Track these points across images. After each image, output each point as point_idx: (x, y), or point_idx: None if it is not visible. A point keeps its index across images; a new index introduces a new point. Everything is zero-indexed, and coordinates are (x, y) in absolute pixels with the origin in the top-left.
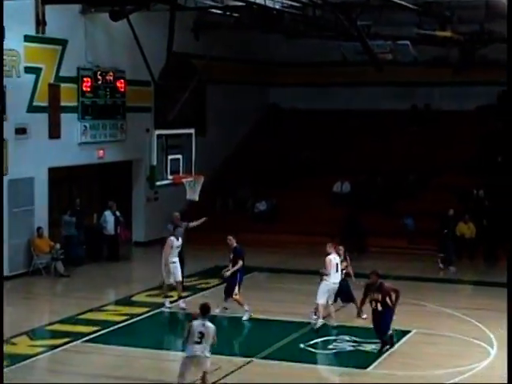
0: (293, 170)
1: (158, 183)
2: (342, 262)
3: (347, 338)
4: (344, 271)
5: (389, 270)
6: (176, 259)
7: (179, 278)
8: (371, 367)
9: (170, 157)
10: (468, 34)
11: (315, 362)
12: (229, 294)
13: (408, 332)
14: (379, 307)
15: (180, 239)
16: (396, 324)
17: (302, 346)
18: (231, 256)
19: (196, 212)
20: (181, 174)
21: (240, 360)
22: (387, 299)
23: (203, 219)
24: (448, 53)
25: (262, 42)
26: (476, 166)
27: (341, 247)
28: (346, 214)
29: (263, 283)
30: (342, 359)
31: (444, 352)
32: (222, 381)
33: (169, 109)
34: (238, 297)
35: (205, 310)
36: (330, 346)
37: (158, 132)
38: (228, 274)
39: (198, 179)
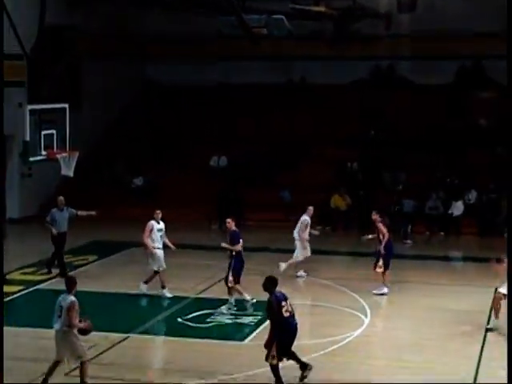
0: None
1: (32, 159)
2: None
3: (225, 311)
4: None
5: (266, 243)
6: (160, 245)
7: (163, 265)
8: (248, 339)
9: (43, 132)
10: (341, 9)
11: (193, 336)
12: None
13: None
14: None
15: (161, 222)
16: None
17: (179, 320)
18: (228, 240)
19: (72, 188)
20: (55, 149)
21: (117, 336)
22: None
23: (93, 212)
24: (323, 27)
25: (138, 16)
26: (350, 139)
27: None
28: (222, 188)
29: (141, 258)
30: (219, 332)
31: (319, 322)
32: (98, 358)
33: (42, 83)
34: (233, 285)
35: (68, 284)
36: (208, 320)
37: (30, 107)
38: (224, 245)
39: (72, 155)
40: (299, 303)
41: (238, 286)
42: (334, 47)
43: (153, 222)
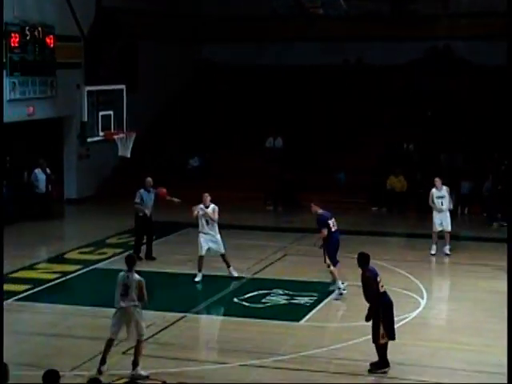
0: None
1: (89, 140)
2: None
3: (280, 291)
4: None
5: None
6: (204, 230)
7: (201, 252)
8: (304, 320)
9: (100, 113)
10: None
11: (249, 316)
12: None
13: None
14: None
15: (211, 206)
16: (326, 277)
17: (235, 300)
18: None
19: (128, 168)
20: (112, 130)
21: (173, 315)
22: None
23: (177, 199)
24: (379, 7)
25: None
26: (407, 120)
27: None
28: (278, 170)
29: (197, 239)
30: (275, 312)
31: None
32: (154, 337)
33: (99, 65)
34: (331, 268)
35: (129, 262)
36: (264, 300)
37: (88, 88)
38: (318, 244)
39: (129, 135)
40: (353, 284)
41: (333, 269)
42: (390, 27)
43: (201, 206)
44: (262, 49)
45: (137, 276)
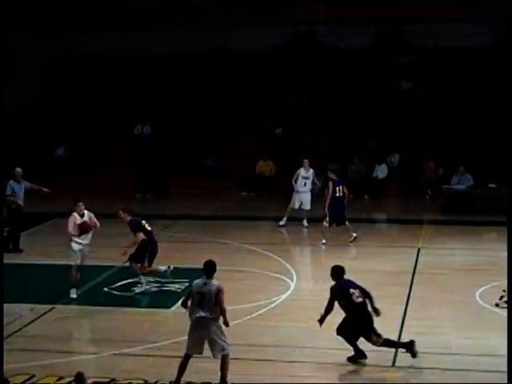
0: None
1: None
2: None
3: (151, 278)
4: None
5: (191, 210)
6: (80, 240)
7: (76, 261)
8: (175, 306)
9: None
10: None
11: (119, 305)
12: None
13: None
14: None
15: (86, 213)
16: (197, 263)
17: (106, 289)
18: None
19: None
20: None
21: (42, 307)
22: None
23: (45, 189)
24: None
25: None
26: (274, 105)
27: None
28: (146, 157)
29: (64, 229)
30: (146, 300)
31: (245, 287)
32: (23, 330)
33: None
34: (139, 267)
35: (207, 269)
36: (135, 288)
37: None
38: (125, 258)
39: None
40: (225, 269)
41: (149, 268)
42: (252, 13)
43: (76, 215)
44: (126, 36)
45: (216, 283)
